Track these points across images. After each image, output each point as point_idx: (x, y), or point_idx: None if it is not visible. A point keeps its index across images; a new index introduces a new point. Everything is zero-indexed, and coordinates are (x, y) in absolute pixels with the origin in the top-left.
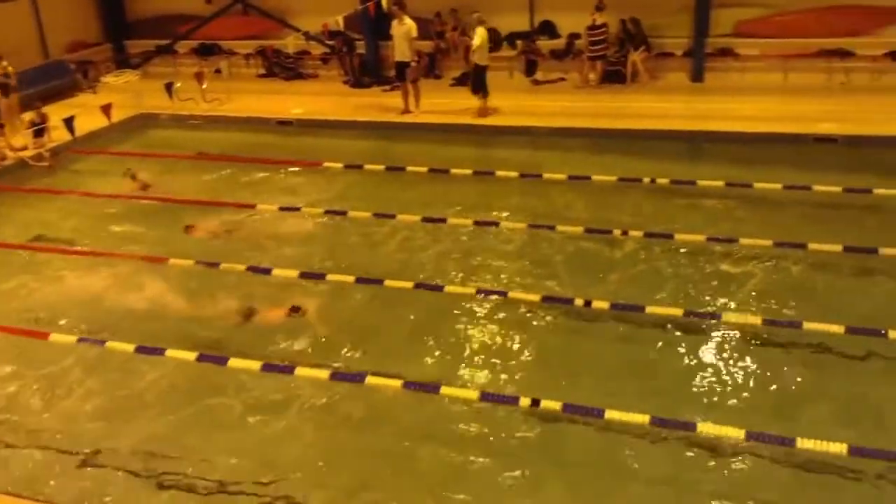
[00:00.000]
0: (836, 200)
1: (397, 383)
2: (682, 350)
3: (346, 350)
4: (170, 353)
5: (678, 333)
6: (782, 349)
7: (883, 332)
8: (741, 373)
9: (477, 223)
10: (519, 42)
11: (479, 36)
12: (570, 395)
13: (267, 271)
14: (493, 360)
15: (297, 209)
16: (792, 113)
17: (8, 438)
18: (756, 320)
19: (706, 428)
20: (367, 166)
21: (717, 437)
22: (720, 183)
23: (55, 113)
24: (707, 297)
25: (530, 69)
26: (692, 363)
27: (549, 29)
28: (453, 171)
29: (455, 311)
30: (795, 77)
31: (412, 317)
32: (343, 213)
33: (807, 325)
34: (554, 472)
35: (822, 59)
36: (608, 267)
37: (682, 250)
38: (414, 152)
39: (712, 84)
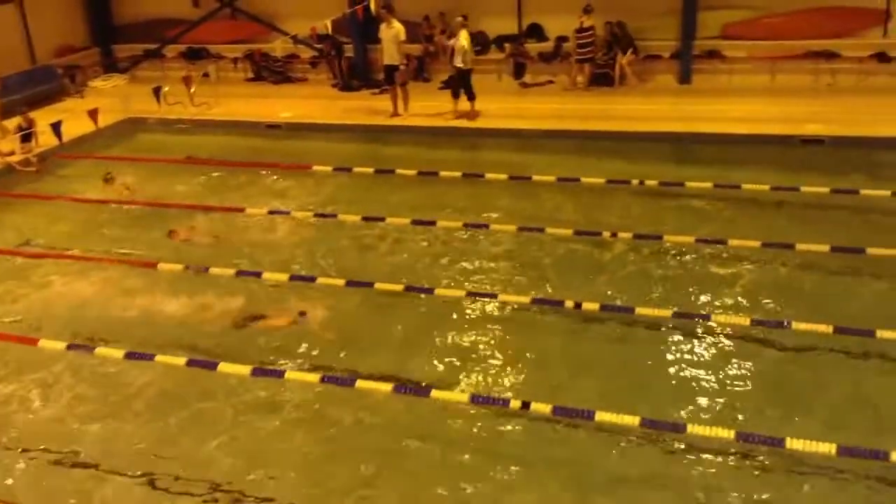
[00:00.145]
0: (823, 201)
1: (388, 386)
2: (671, 351)
3: (335, 353)
4: (159, 358)
5: (668, 334)
6: (771, 349)
7: (871, 331)
8: (730, 373)
9: (466, 226)
10: (507, 45)
11: (463, 40)
12: (560, 397)
13: (257, 275)
14: (484, 363)
15: (287, 213)
16: (779, 114)
17: None
18: (745, 321)
19: (696, 429)
20: (357, 169)
21: (707, 437)
22: (708, 184)
23: (42, 118)
24: (696, 298)
25: (518, 72)
26: (682, 364)
27: (536, 32)
28: (443, 173)
29: (445, 314)
30: (782, 79)
31: (403, 320)
32: (333, 217)
33: (795, 325)
34: (545, 475)
35: (808, 60)
36: (598, 269)
37: (671, 252)
38: (403, 155)
39: (700, 86)
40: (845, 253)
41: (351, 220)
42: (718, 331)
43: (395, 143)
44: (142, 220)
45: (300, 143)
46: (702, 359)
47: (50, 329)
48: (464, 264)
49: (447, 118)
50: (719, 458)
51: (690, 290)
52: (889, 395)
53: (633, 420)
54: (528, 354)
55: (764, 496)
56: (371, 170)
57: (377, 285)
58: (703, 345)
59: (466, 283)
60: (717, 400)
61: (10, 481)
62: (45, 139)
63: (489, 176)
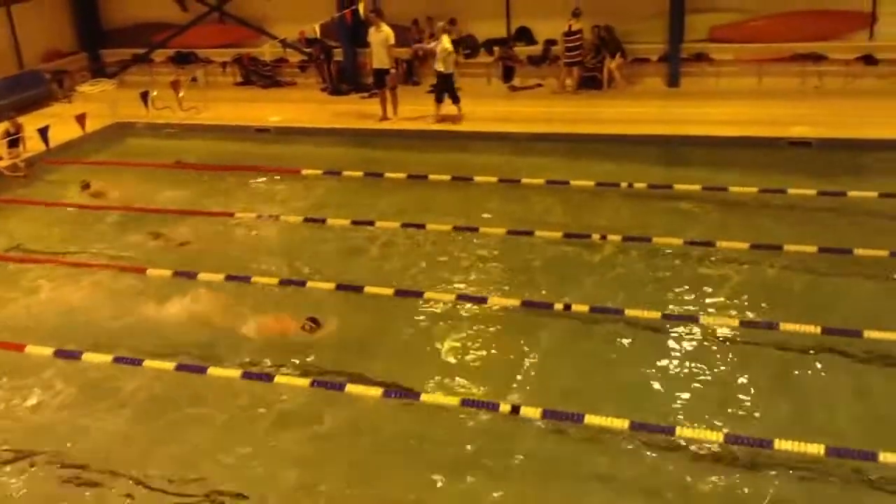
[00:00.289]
0: (810, 203)
1: (378, 391)
2: (660, 353)
3: (325, 357)
4: (148, 363)
5: (657, 336)
6: (759, 350)
7: (859, 331)
8: (719, 375)
9: (456, 229)
10: (496, 48)
11: (445, 43)
12: (549, 401)
13: (246, 279)
14: (474, 366)
15: (276, 217)
16: (766, 117)
17: None
18: (733, 322)
19: (685, 431)
20: (346, 173)
21: (696, 440)
22: (696, 187)
23: (30, 123)
24: (685, 300)
25: (508, 75)
26: (670, 366)
27: (525, 35)
28: (432, 177)
29: (435, 317)
30: (769, 81)
31: (392, 323)
32: (322, 221)
33: (783, 327)
34: (534, 478)
35: (795, 63)
36: (587, 271)
37: (659, 254)
38: (392, 159)
39: (688, 89)
40: (833, 254)
41: (340, 224)
42: (707, 332)
43: (385, 146)
44: (130, 225)
45: (289, 148)
46: (691, 360)
47: (37, 334)
48: (453, 267)
49: (428, 122)
50: (708, 460)
51: (679, 291)
52: (877, 395)
53: (622, 423)
54: (518, 357)
55: (752, 497)
56: (360, 173)
57: (367, 289)
58: (692, 346)
59: (456, 287)
60: (706, 402)
61: None
62: (33, 144)
63: (478, 179)
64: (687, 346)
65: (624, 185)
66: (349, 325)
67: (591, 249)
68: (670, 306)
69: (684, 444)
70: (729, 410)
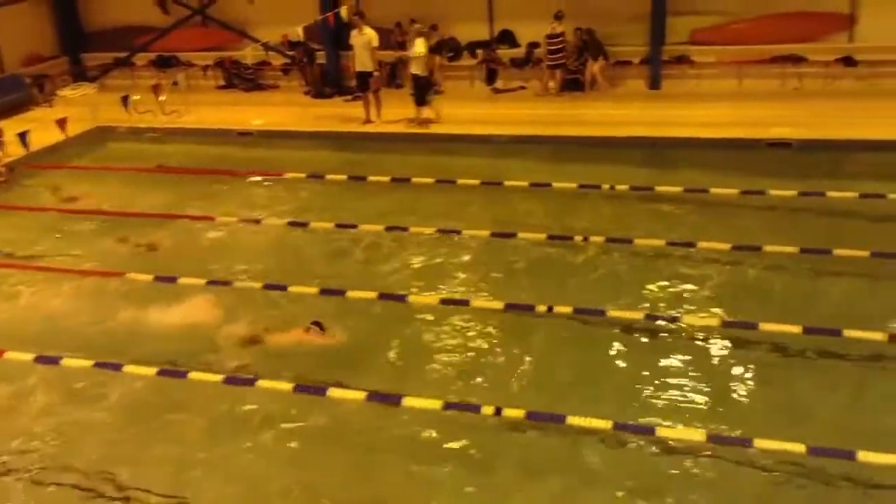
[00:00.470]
0: (790, 204)
1: (361, 395)
2: (643, 353)
3: (307, 361)
4: (128, 368)
5: (639, 336)
6: (741, 350)
7: (838, 331)
8: (700, 375)
9: (440, 231)
10: (479, 51)
11: (419, 47)
12: (532, 402)
13: (227, 283)
14: (457, 369)
15: (259, 221)
16: (747, 118)
17: None
18: (715, 322)
19: (667, 431)
20: (329, 176)
21: (678, 439)
22: (678, 188)
23: (10, 128)
24: (667, 300)
25: (491, 78)
26: (653, 366)
27: (508, 38)
28: (415, 179)
29: (418, 321)
30: (750, 83)
31: (375, 327)
32: (305, 224)
33: (764, 326)
34: (517, 479)
35: (775, 65)
36: (570, 272)
37: (641, 255)
38: (376, 162)
39: (669, 91)
40: (812, 254)
41: (324, 227)
42: (689, 332)
43: (368, 149)
44: (112, 229)
45: (272, 151)
46: (672, 360)
47: (17, 340)
48: (437, 270)
49: (408, 125)
50: (690, 460)
51: (661, 292)
52: (857, 394)
53: (605, 423)
54: (501, 359)
55: (733, 496)
56: (344, 177)
57: (349, 293)
58: (674, 346)
59: (439, 289)
60: (687, 401)
61: None
62: (14, 149)
63: (461, 181)
64: (668, 346)
65: (606, 186)
66: (332, 329)
67: (573, 251)
68: (652, 307)
69: (666, 443)
70: (710, 410)
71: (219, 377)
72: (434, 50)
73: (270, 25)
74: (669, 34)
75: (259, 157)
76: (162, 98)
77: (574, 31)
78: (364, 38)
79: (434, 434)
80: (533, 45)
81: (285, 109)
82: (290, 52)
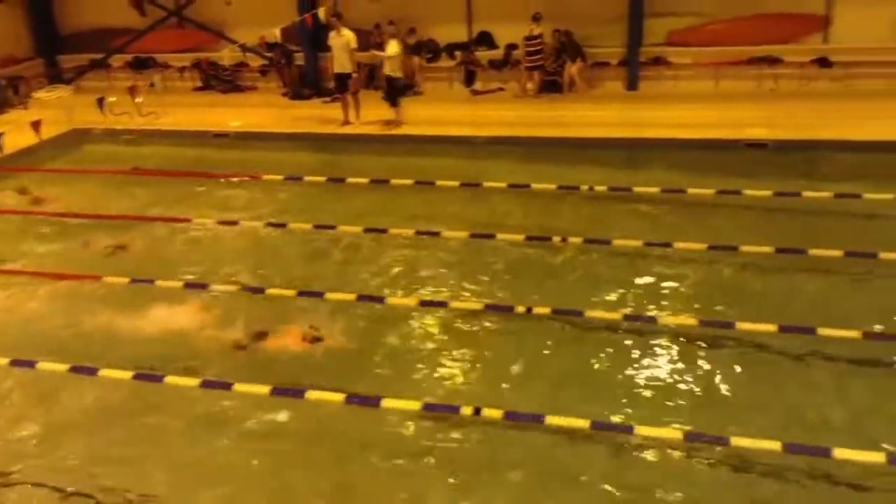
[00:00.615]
0: (766, 204)
1: (339, 397)
2: (620, 353)
3: (285, 364)
4: (104, 372)
5: (617, 336)
6: (717, 349)
7: (813, 329)
8: (677, 374)
9: (418, 233)
10: (458, 53)
11: (394, 48)
12: (511, 402)
13: (203, 286)
14: (436, 370)
15: (236, 223)
16: (723, 119)
17: None
18: (692, 321)
19: (645, 430)
20: (308, 178)
21: (656, 438)
22: (656, 189)
23: None
24: (644, 301)
25: (469, 79)
26: (631, 365)
27: (486, 40)
28: (394, 181)
29: (397, 322)
30: (726, 84)
31: (354, 329)
32: (283, 226)
33: (740, 325)
34: (496, 480)
35: (751, 66)
36: (548, 273)
37: (620, 255)
38: (355, 163)
39: (647, 92)
40: (788, 254)
41: (302, 229)
42: (666, 332)
43: (347, 151)
44: (88, 232)
45: (250, 153)
46: (650, 359)
47: None
48: (415, 272)
49: (381, 127)
50: (668, 458)
51: (639, 292)
52: (832, 392)
53: (583, 423)
54: (479, 360)
55: (710, 494)
56: (323, 179)
57: (328, 295)
58: (652, 346)
59: (418, 291)
60: (666, 400)
61: None
62: None
63: (440, 183)
64: (646, 345)
65: (584, 187)
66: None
67: (552, 252)
68: (630, 307)
69: (644, 442)
70: (687, 408)
71: (196, 381)
72: (413, 51)
73: (248, 27)
74: (647, 35)
75: (237, 159)
76: (138, 100)
77: (552, 32)
78: (342, 40)
79: (413, 435)
80: (511, 47)
81: (263, 111)
82: (268, 54)
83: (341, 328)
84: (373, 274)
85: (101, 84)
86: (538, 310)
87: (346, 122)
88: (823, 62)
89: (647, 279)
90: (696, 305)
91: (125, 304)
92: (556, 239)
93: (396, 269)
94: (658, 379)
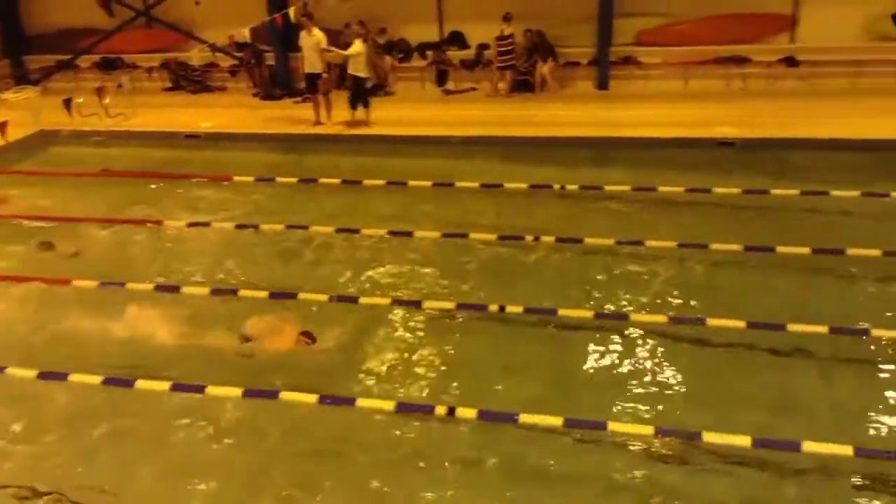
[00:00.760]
0: (735, 201)
1: (313, 398)
2: (593, 350)
3: (259, 365)
4: (74, 377)
5: (589, 334)
6: (688, 345)
7: (782, 325)
8: (649, 370)
9: (391, 233)
10: (429, 52)
11: (356, 48)
12: (485, 401)
13: (175, 289)
14: (409, 370)
15: (207, 224)
16: (693, 118)
17: None
18: (662, 318)
19: (617, 427)
20: (280, 179)
21: (628, 434)
22: (626, 187)
23: None
24: (616, 298)
25: (441, 79)
26: (603, 363)
27: (458, 39)
28: (366, 181)
29: (370, 323)
30: (695, 83)
31: (327, 330)
32: (255, 227)
33: (710, 322)
34: (472, 478)
35: (720, 65)
36: (521, 272)
37: (591, 254)
38: (327, 164)
39: (617, 92)
40: (757, 251)
41: (274, 230)
42: (638, 329)
43: (319, 151)
44: (55, 235)
45: (221, 154)
46: (622, 357)
47: None
48: (388, 272)
49: (353, 127)
50: (640, 454)
51: (611, 290)
52: (799, 387)
53: (556, 420)
54: (453, 360)
55: (682, 489)
56: (294, 179)
57: (301, 295)
58: (623, 343)
59: (391, 291)
60: (637, 396)
61: None
62: None
63: (413, 183)
64: (618, 343)
65: (557, 186)
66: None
67: (524, 251)
68: (602, 305)
69: (617, 438)
70: (659, 404)
71: (166, 385)
72: (384, 51)
73: (217, 27)
74: (616, 35)
75: (207, 160)
76: (106, 101)
77: (524, 32)
78: (313, 40)
79: (387, 435)
80: (483, 47)
81: (234, 111)
82: (239, 54)
83: (313, 328)
84: (345, 274)
85: (68, 85)
86: (511, 308)
87: (318, 123)
88: (790, 61)
89: (619, 277)
90: (668, 302)
91: (94, 308)
92: (529, 238)
93: (369, 270)
94: (630, 375)
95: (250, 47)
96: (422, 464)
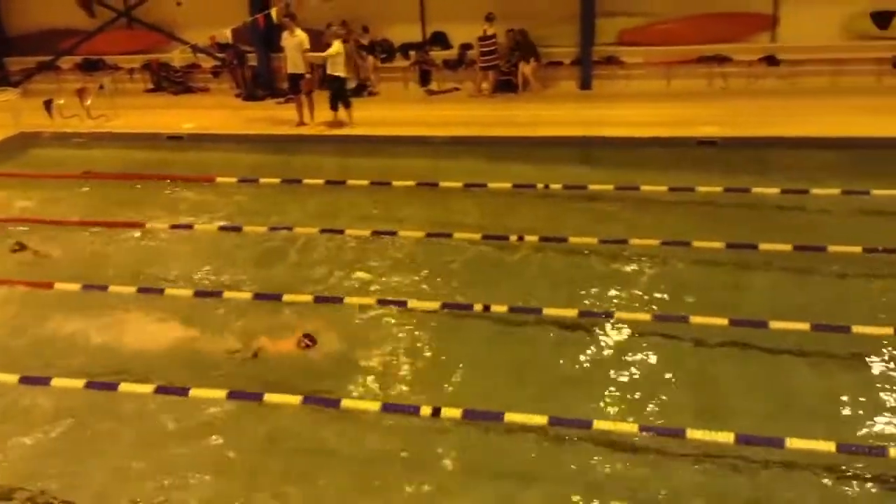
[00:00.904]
0: (717, 200)
1: (297, 399)
2: (578, 349)
3: (241, 367)
4: (56, 382)
5: (574, 333)
6: (672, 343)
7: (765, 322)
8: (633, 368)
9: (375, 233)
10: (412, 53)
11: (334, 48)
12: (470, 400)
13: (159, 291)
14: (395, 370)
15: (190, 226)
16: (675, 117)
17: None
18: (646, 316)
19: (602, 424)
20: (263, 180)
21: (613, 432)
22: (610, 186)
23: None
24: (600, 297)
25: (424, 79)
26: (588, 361)
27: (441, 40)
28: (350, 181)
29: (355, 323)
30: (677, 83)
31: (311, 330)
32: (238, 229)
33: (693, 320)
34: (456, 477)
35: (701, 65)
36: (505, 272)
37: (575, 252)
38: (310, 164)
39: (600, 91)
40: (739, 249)
41: (257, 231)
42: (622, 327)
43: (302, 152)
44: (35, 236)
45: (204, 155)
46: (607, 355)
47: None
48: (373, 272)
49: (335, 128)
50: (624, 451)
51: (595, 289)
52: (782, 384)
53: (541, 419)
54: (438, 359)
55: (667, 486)
56: (277, 180)
57: (285, 297)
58: (608, 341)
59: (375, 291)
60: (621, 394)
61: None
62: None
63: (396, 183)
64: (603, 341)
65: (540, 186)
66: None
67: (509, 250)
68: (586, 303)
69: (601, 436)
70: (644, 402)
71: (149, 388)
72: (367, 50)
73: (199, 27)
74: (599, 35)
75: (190, 162)
76: (88, 102)
77: (506, 32)
78: (295, 40)
79: (373, 436)
80: (465, 47)
81: (216, 112)
82: (221, 55)
83: (299, 329)
84: (330, 274)
85: (49, 87)
86: (496, 308)
87: (301, 123)
88: (771, 60)
89: (603, 276)
90: (651, 300)
91: (76, 310)
92: (513, 237)
93: (354, 270)
94: (614, 374)
95: (232, 48)
96: (407, 463)
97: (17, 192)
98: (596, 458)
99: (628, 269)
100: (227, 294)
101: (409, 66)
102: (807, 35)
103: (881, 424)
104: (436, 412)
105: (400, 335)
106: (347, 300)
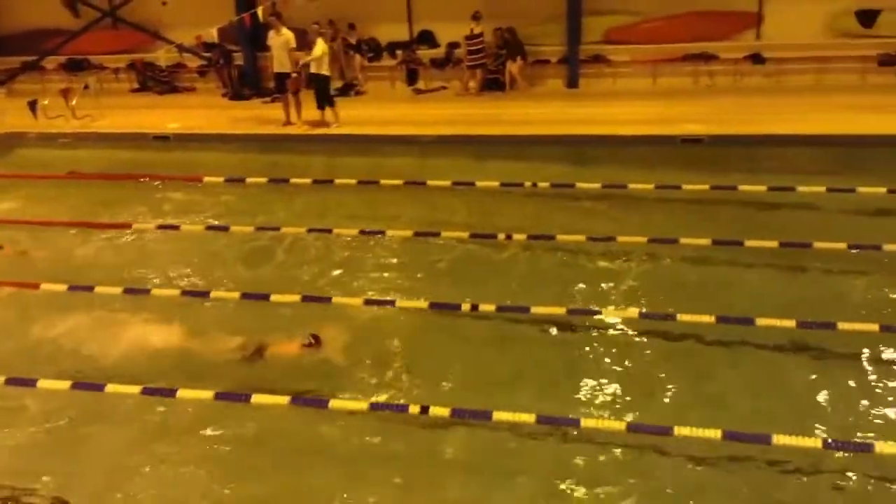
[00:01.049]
0: (704, 197)
1: (284, 399)
2: (566, 347)
3: (230, 368)
4: (42, 383)
5: (562, 331)
6: (659, 340)
7: (751, 319)
8: (622, 366)
9: (363, 232)
10: (399, 52)
11: (318, 48)
12: (459, 399)
13: (146, 292)
14: (383, 369)
15: (177, 227)
16: (661, 115)
17: None
18: (634, 314)
19: (590, 423)
20: (250, 180)
21: (601, 429)
22: (597, 185)
23: None
24: (588, 295)
25: (411, 78)
26: (576, 359)
27: (428, 38)
28: (338, 181)
29: (344, 322)
30: (664, 81)
31: (299, 330)
32: (225, 229)
33: (680, 317)
34: (445, 476)
35: (687, 63)
36: (493, 270)
37: (563, 251)
38: (297, 164)
39: (587, 90)
40: (725, 246)
41: (244, 231)
42: (610, 325)
43: (289, 151)
44: (22, 238)
45: (190, 155)
46: (594, 352)
47: None
48: (361, 271)
49: (322, 127)
50: (611, 450)
51: (583, 287)
52: (769, 380)
53: (529, 417)
54: (425, 359)
55: (655, 483)
56: (265, 179)
57: (273, 297)
58: (596, 339)
59: (364, 291)
60: (609, 392)
61: None
62: None
63: (384, 182)
64: (590, 339)
65: (528, 184)
66: (254, 334)
67: (496, 249)
68: (574, 301)
69: (589, 434)
70: (631, 399)
71: (137, 388)
72: (354, 49)
73: (185, 27)
74: (585, 33)
75: (177, 161)
76: (73, 102)
77: (493, 31)
78: (282, 39)
79: (362, 435)
80: (453, 46)
81: (203, 112)
82: (207, 54)
83: (285, 329)
84: (318, 274)
85: (34, 87)
86: (484, 307)
87: (288, 123)
88: (756, 58)
89: (591, 274)
90: (639, 298)
91: (64, 312)
92: (501, 236)
93: (341, 269)
94: (601, 371)
95: (218, 47)
96: (396, 462)
97: (2, 193)
98: (583, 456)
99: (616, 266)
100: (214, 293)
101: (396, 65)
102: (792, 33)
103: (867, 420)
104: (424, 411)
105: (388, 334)
106: (335, 300)
